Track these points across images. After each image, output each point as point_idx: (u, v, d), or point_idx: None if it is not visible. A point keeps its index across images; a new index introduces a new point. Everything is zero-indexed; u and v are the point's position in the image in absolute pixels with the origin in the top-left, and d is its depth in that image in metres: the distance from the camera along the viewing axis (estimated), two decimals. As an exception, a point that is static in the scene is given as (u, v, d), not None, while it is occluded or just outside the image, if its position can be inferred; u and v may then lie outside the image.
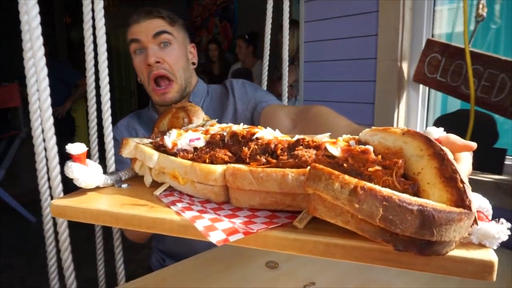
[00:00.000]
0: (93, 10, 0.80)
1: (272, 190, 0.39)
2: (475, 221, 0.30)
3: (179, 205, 0.44)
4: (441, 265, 0.31)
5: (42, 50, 0.71)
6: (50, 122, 0.74)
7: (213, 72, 3.69)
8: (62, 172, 0.77)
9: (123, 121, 1.06)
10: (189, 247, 1.01)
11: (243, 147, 0.46)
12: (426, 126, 1.42)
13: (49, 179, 0.77)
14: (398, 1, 1.32)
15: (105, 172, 0.55)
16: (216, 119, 0.65)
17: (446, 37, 1.44)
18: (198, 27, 4.86)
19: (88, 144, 0.92)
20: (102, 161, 0.92)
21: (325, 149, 0.39)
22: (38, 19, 0.70)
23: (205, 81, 1.19)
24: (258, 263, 0.82)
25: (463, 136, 1.25)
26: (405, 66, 1.38)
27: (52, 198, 0.78)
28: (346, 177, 0.31)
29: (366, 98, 1.46)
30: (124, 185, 0.55)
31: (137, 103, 5.96)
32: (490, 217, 0.34)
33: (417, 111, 1.40)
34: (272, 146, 0.44)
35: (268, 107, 0.94)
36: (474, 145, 0.45)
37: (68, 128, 3.43)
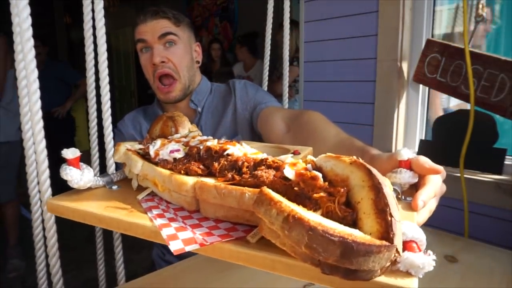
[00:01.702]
0: (93, 10, 0.80)
1: (232, 205, 0.42)
2: (397, 252, 0.33)
3: (154, 211, 0.48)
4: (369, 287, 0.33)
5: (32, 53, 0.70)
6: (40, 125, 0.72)
7: (213, 71, 3.69)
8: (51, 175, 0.76)
9: (130, 115, 1.09)
10: None
11: (214, 162, 0.49)
12: (426, 126, 1.42)
13: (38, 183, 0.76)
14: (398, 1, 1.32)
15: (102, 172, 0.59)
16: (197, 132, 0.68)
17: (446, 37, 1.44)
18: (198, 27, 4.86)
19: (88, 144, 0.93)
20: (102, 160, 0.92)
21: (283, 171, 0.42)
22: (29, 21, 0.69)
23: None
24: (258, 263, 0.82)
25: (463, 136, 1.25)
26: (405, 66, 1.38)
27: (41, 202, 0.77)
28: (283, 204, 0.33)
29: (366, 98, 1.46)
30: (115, 187, 0.58)
31: (137, 103, 5.96)
32: (422, 247, 0.36)
33: (417, 111, 1.40)
34: (240, 163, 0.47)
35: (266, 110, 0.96)
36: (440, 169, 0.47)
37: (68, 128, 3.43)
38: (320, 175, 0.39)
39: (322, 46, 1.60)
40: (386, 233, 0.32)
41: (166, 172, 0.50)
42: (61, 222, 0.84)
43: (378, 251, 0.30)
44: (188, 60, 1.00)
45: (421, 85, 1.37)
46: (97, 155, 0.94)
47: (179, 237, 0.41)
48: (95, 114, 0.91)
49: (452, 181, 1.22)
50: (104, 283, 0.99)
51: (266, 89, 1.37)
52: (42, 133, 0.74)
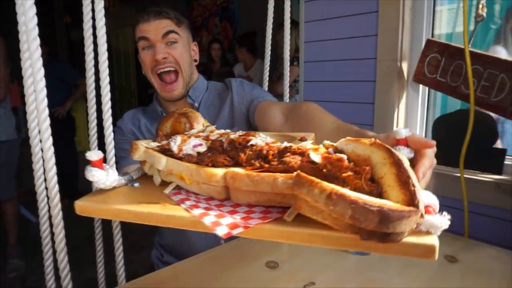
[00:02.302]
0: (93, 10, 0.80)
1: (265, 191, 0.46)
2: (421, 216, 0.39)
3: (188, 203, 0.51)
4: (397, 249, 0.39)
5: (39, 51, 0.71)
6: (46, 123, 0.73)
7: (213, 71, 3.69)
8: (58, 173, 0.77)
9: (128, 113, 1.12)
10: (188, 246, 1.03)
11: (240, 153, 0.53)
12: (426, 126, 1.42)
13: (45, 180, 0.77)
14: (398, 1, 1.32)
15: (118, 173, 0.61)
16: (215, 125, 0.71)
17: (446, 37, 1.44)
18: (198, 27, 4.86)
19: (88, 145, 0.92)
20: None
21: (308, 156, 0.47)
22: (35, 20, 0.69)
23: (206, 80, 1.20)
24: (258, 263, 0.82)
25: (463, 136, 1.25)
26: (405, 66, 1.38)
27: (48, 199, 0.78)
28: (324, 184, 0.38)
29: (366, 98, 1.46)
30: (136, 184, 0.60)
31: (137, 103, 5.96)
32: (437, 210, 0.42)
33: (417, 111, 1.40)
34: (264, 152, 0.51)
35: (263, 103, 1.00)
36: (433, 143, 0.52)
37: (68, 128, 3.43)
38: (345, 156, 0.44)
39: (322, 46, 1.60)
40: (412, 200, 0.38)
41: (193, 165, 0.53)
42: (61, 222, 0.84)
43: (408, 216, 0.36)
44: (188, 57, 1.04)
45: (421, 85, 1.37)
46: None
47: (222, 223, 0.45)
48: (95, 114, 0.91)
49: (452, 181, 1.23)
50: (104, 284, 0.99)
51: (266, 89, 1.37)
52: (49, 130, 0.74)
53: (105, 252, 1.00)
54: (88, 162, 0.55)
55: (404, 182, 0.39)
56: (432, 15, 1.36)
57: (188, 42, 1.06)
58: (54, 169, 0.75)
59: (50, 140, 0.74)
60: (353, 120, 1.49)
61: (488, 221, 1.16)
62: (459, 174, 1.13)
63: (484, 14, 1.13)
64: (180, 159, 0.56)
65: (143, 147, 0.61)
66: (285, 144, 0.52)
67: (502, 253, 0.87)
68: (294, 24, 2.59)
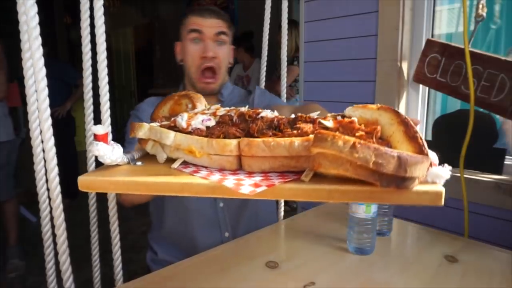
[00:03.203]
0: (92, 9, 0.80)
1: (281, 155, 0.49)
2: (430, 164, 0.44)
3: (201, 172, 0.52)
4: (408, 197, 0.43)
5: (40, 51, 0.71)
6: (48, 123, 0.73)
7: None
8: (60, 173, 0.77)
9: (149, 99, 1.16)
10: (191, 236, 1.06)
11: (251, 124, 0.54)
12: (426, 126, 1.42)
13: (47, 180, 0.76)
14: (398, 1, 1.32)
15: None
16: (220, 104, 0.73)
17: (446, 37, 1.44)
18: (198, 27, 4.85)
19: (85, 146, 0.92)
20: (100, 164, 0.91)
21: (319, 122, 0.51)
22: (36, 19, 0.69)
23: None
24: (258, 263, 0.82)
25: (463, 136, 1.25)
26: (405, 66, 1.38)
27: (50, 200, 0.77)
28: (346, 136, 0.42)
29: (366, 98, 1.46)
30: (139, 163, 0.60)
31: (137, 103, 5.96)
32: (437, 164, 0.47)
33: (417, 111, 1.40)
34: (276, 122, 0.53)
35: (277, 105, 1.07)
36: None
37: (68, 128, 3.43)
38: (355, 119, 0.49)
39: (322, 46, 1.60)
40: (421, 151, 0.43)
41: (204, 138, 0.55)
42: (60, 222, 0.84)
43: (422, 161, 0.42)
44: (228, 59, 1.12)
45: (421, 85, 1.37)
46: (94, 158, 0.93)
47: (244, 184, 0.47)
48: (91, 115, 0.90)
49: (452, 181, 1.22)
50: (99, 284, 0.99)
51: (263, 87, 1.38)
52: (51, 131, 0.74)
53: (105, 251, 1.00)
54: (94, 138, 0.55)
55: (413, 136, 0.44)
56: (432, 15, 1.36)
57: (230, 45, 1.13)
58: (56, 170, 0.75)
59: (52, 140, 0.74)
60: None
61: (488, 221, 1.15)
62: (459, 174, 1.13)
63: (484, 14, 1.13)
64: (189, 133, 0.57)
65: (148, 125, 0.61)
66: (293, 115, 0.55)
67: (502, 253, 0.87)
68: (294, 24, 2.59)
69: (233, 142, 0.52)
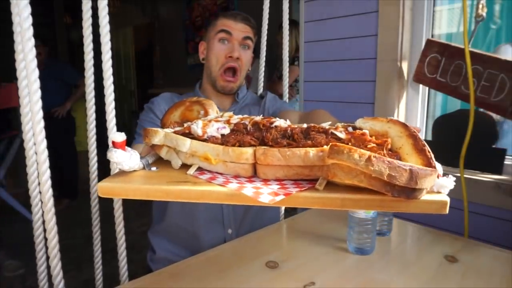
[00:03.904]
0: (94, 8, 0.79)
1: (296, 164, 0.51)
2: (438, 176, 0.47)
3: (219, 179, 0.53)
4: (417, 206, 0.46)
5: (33, 52, 0.70)
6: (40, 125, 0.72)
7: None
8: (58, 173, 0.76)
9: (165, 94, 1.18)
10: (196, 229, 1.07)
11: (266, 133, 0.56)
12: (426, 126, 1.42)
13: (39, 183, 0.75)
14: (398, 1, 1.32)
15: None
16: (232, 111, 0.74)
17: (446, 37, 1.44)
18: (198, 27, 4.86)
19: (86, 147, 0.92)
20: (101, 164, 0.91)
21: (332, 133, 0.53)
22: (29, 20, 0.69)
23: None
24: (258, 263, 0.82)
25: (463, 136, 1.25)
26: (405, 66, 1.38)
27: (42, 203, 0.76)
28: (362, 150, 0.45)
29: (366, 98, 1.46)
30: (153, 168, 0.61)
31: (137, 103, 5.96)
32: (441, 174, 0.49)
33: (417, 111, 1.40)
34: (290, 132, 0.55)
35: (286, 110, 1.13)
36: None
37: (68, 128, 3.43)
38: (367, 131, 0.51)
39: (322, 46, 1.60)
40: (429, 163, 0.46)
41: (219, 146, 0.56)
42: (61, 222, 0.84)
43: (431, 174, 0.44)
44: (249, 64, 1.17)
45: (421, 85, 1.37)
46: (95, 158, 0.92)
47: (263, 193, 0.49)
48: (93, 116, 0.90)
49: (452, 181, 1.23)
50: (101, 284, 0.99)
51: (262, 88, 1.39)
52: (43, 133, 0.73)
53: (105, 251, 1.00)
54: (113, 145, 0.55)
55: (421, 149, 0.47)
56: (432, 15, 1.36)
57: (252, 53, 1.17)
58: (48, 173, 0.74)
59: (44, 143, 0.73)
60: (353, 120, 1.49)
61: (488, 221, 1.15)
62: (459, 174, 1.13)
63: (484, 14, 1.13)
64: (204, 141, 0.58)
65: (163, 132, 0.62)
66: (305, 125, 0.57)
67: (502, 253, 0.87)
68: (294, 24, 2.58)
69: (249, 150, 0.54)
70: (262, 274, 0.78)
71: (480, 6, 1.12)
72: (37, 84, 0.71)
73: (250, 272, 0.78)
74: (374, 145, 0.48)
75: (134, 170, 0.59)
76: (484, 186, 1.15)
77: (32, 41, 0.69)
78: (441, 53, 1.24)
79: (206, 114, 0.72)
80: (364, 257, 0.84)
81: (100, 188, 0.54)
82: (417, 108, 1.40)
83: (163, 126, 0.72)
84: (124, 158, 0.55)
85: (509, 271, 0.78)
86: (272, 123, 0.58)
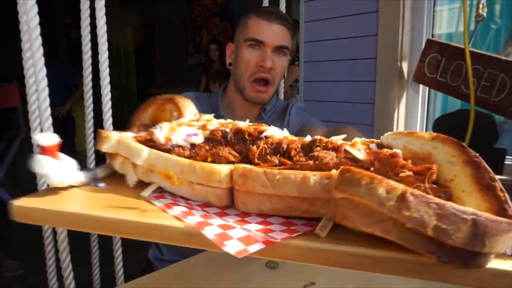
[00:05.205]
0: (92, 9, 0.80)
1: (289, 194, 0.35)
2: None
3: (177, 209, 0.38)
4: (477, 277, 0.28)
5: (40, 51, 0.71)
6: (48, 122, 0.74)
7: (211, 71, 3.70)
8: None
9: (187, 94, 1.08)
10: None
11: (251, 146, 0.41)
12: (426, 126, 1.42)
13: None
14: (398, 1, 1.32)
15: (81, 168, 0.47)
16: (213, 114, 0.58)
17: (446, 37, 1.44)
18: (198, 27, 4.86)
19: (85, 146, 0.92)
20: (99, 162, 0.91)
21: (346, 151, 0.36)
22: (37, 19, 0.70)
23: (205, 80, 1.18)
24: (258, 263, 0.82)
25: (463, 136, 1.25)
26: (405, 66, 1.38)
27: None
28: (391, 182, 0.28)
29: (366, 98, 1.46)
30: (102, 184, 0.47)
31: (137, 103, 5.96)
32: None
33: (417, 111, 1.40)
34: (285, 146, 0.40)
35: (311, 128, 0.99)
36: None
37: (68, 128, 3.43)
38: (400, 152, 0.34)
39: (322, 46, 1.60)
40: (502, 210, 0.28)
41: (185, 160, 0.41)
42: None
43: (509, 230, 0.26)
44: (283, 72, 1.03)
45: (421, 85, 1.37)
46: (93, 156, 0.92)
47: (232, 236, 0.35)
48: (91, 114, 0.90)
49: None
50: (99, 285, 0.99)
51: None
52: (51, 130, 0.74)
53: (105, 251, 1.00)
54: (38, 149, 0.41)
55: (487, 186, 0.31)
56: (432, 15, 1.36)
57: (289, 57, 1.05)
58: None
59: None
60: (353, 120, 1.49)
61: (488, 221, 1.15)
62: (459, 174, 1.12)
63: (484, 14, 1.13)
64: (168, 151, 0.43)
65: (116, 136, 0.48)
66: (309, 137, 0.41)
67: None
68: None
69: (224, 169, 0.38)
70: (262, 274, 0.78)
71: (480, 6, 1.12)
72: (44, 82, 0.72)
73: (250, 272, 0.78)
74: (411, 173, 0.32)
75: (75, 186, 0.44)
76: (484, 186, 1.15)
77: (40, 40, 0.70)
78: (441, 53, 1.24)
79: (181, 116, 0.55)
80: (364, 257, 0.84)
81: (15, 209, 0.39)
82: (417, 108, 1.40)
83: (128, 128, 0.58)
84: (53, 169, 0.40)
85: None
86: (261, 132, 0.43)
